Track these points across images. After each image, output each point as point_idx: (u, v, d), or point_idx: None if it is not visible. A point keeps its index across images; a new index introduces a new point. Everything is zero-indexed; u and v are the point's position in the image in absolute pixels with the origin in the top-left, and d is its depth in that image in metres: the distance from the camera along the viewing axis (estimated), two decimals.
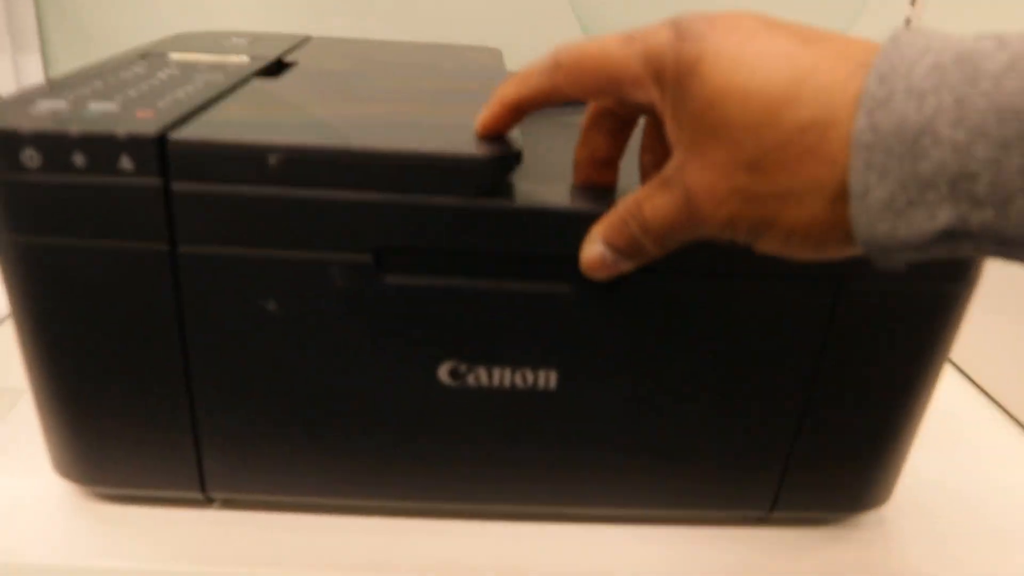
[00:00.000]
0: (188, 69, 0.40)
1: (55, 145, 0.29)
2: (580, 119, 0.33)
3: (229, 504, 0.38)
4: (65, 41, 0.64)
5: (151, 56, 0.42)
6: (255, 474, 0.36)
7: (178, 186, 0.30)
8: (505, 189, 0.31)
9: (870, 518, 0.41)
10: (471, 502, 0.37)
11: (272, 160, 0.29)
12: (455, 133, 0.32)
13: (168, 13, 0.64)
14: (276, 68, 0.43)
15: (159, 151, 0.29)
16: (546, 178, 0.33)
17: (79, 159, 0.29)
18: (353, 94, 0.37)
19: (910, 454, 0.39)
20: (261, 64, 0.42)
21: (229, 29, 0.54)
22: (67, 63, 0.65)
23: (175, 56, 0.43)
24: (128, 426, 0.35)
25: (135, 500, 0.38)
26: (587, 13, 0.65)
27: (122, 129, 0.29)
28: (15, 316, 0.34)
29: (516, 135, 0.32)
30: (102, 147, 0.29)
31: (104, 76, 0.37)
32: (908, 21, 0.70)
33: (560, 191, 0.32)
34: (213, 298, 0.32)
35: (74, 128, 0.29)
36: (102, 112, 0.31)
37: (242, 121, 0.31)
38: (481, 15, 0.67)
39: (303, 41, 0.51)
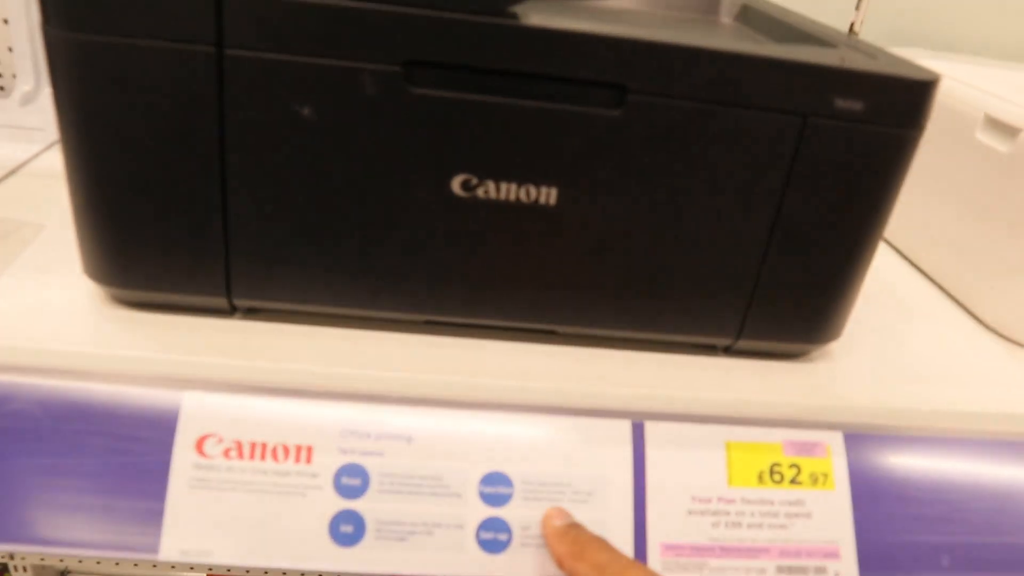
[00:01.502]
0: None
1: None
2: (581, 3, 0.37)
3: (251, 314, 0.42)
4: None
5: None
6: (278, 282, 0.40)
7: None
8: (521, 13, 0.35)
9: (822, 354, 0.46)
10: (472, 316, 0.41)
11: None
12: None
13: None
14: None
15: None
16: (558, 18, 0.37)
17: None
18: None
19: (855, 305, 0.44)
20: None
21: None
22: None
23: None
24: (162, 229, 0.38)
25: (161, 307, 0.41)
26: None
27: None
28: (59, 116, 0.36)
29: None
30: None
31: None
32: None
33: (572, 22, 0.35)
34: (253, 102, 0.35)
35: None
36: None
37: None
38: None
39: None
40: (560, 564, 0.36)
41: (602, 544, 0.36)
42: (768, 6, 0.55)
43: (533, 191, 0.38)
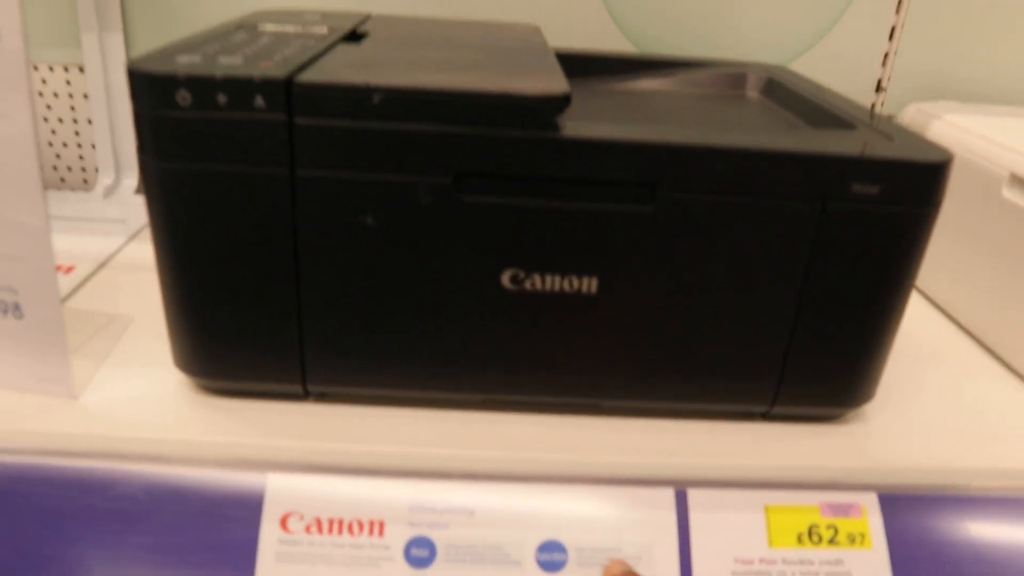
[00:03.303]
0: (282, 36, 0.47)
1: (204, 87, 0.37)
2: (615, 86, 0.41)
3: (322, 398, 0.46)
4: (144, 21, 0.72)
5: (245, 27, 0.50)
6: (347, 369, 0.44)
7: (300, 120, 0.38)
8: (558, 124, 0.39)
9: (857, 415, 0.49)
10: (524, 394, 0.45)
11: (376, 99, 0.37)
12: (516, 80, 0.39)
13: None
14: (354, 37, 0.50)
15: (286, 92, 0.37)
16: (590, 120, 0.41)
17: (221, 98, 0.37)
18: (426, 57, 0.45)
19: (887, 363, 0.47)
20: (340, 34, 0.49)
21: (297, 7, 0.61)
22: (146, 41, 0.73)
23: (265, 27, 0.50)
24: (245, 327, 0.42)
25: (240, 394, 0.46)
26: None
27: (257, 74, 0.37)
28: (153, 230, 0.41)
29: (565, 81, 0.39)
30: (241, 88, 0.37)
31: (217, 40, 0.44)
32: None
33: (601, 128, 0.39)
34: (322, 213, 0.40)
35: (219, 73, 0.37)
36: (231, 63, 0.39)
37: (346, 70, 0.39)
38: None
39: (366, 18, 0.58)
40: None
41: None
42: (791, 80, 0.58)
43: (576, 281, 0.41)
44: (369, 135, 0.38)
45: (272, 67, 0.38)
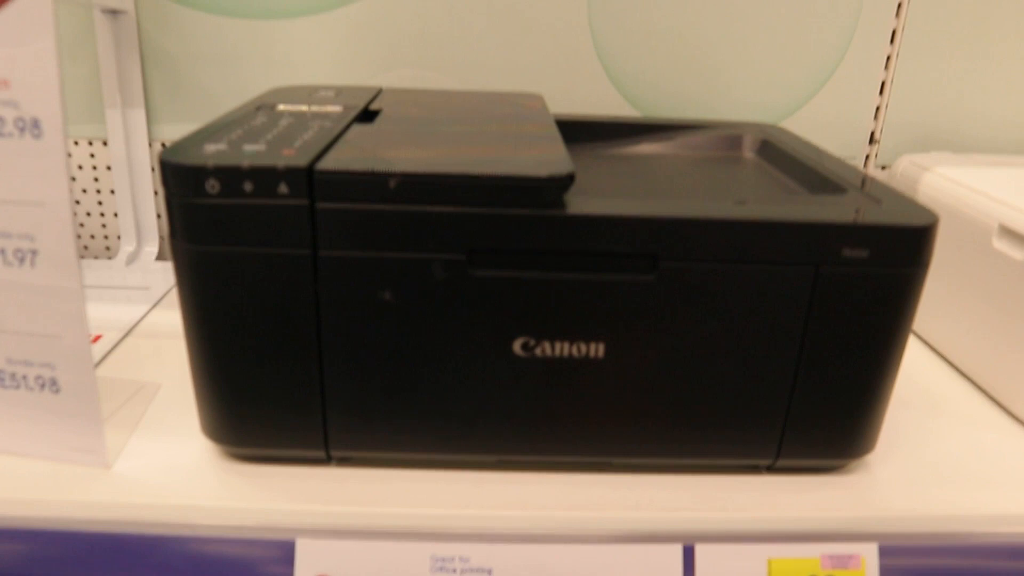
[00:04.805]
0: (300, 118, 0.50)
1: (231, 176, 0.40)
2: (617, 151, 0.43)
3: (343, 462, 0.48)
4: (164, 99, 0.75)
5: (264, 108, 0.53)
6: (368, 435, 0.46)
7: (321, 205, 0.40)
8: (563, 202, 0.41)
9: (859, 465, 0.50)
10: (537, 454, 0.47)
11: (392, 183, 0.40)
12: (523, 161, 0.42)
13: (251, 73, 0.75)
14: (367, 115, 0.53)
15: (308, 179, 0.40)
16: (592, 194, 0.43)
17: (248, 186, 0.40)
18: (437, 134, 0.48)
19: (888, 411, 0.48)
20: (354, 112, 0.52)
21: (311, 84, 0.64)
22: (165, 116, 0.76)
23: (283, 107, 0.53)
24: (271, 397, 0.45)
25: (266, 460, 0.48)
26: (611, 62, 0.76)
27: (281, 163, 0.40)
28: (183, 307, 0.44)
29: (569, 162, 0.42)
30: (266, 177, 0.40)
31: (240, 126, 0.47)
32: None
33: (604, 204, 0.42)
34: (343, 290, 0.42)
35: (245, 163, 0.39)
36: (255, 151, 0.41)
37: (363, 155, 0.42)
38: (518, 65, 0.78)
39: (378, 92, 0.61)
40: None
41: None
42: (785, 140, 0.61)
43: (583, 347, 0.44)
44: (386, 217, 0.40)
45: (294, 154, 0.41)
